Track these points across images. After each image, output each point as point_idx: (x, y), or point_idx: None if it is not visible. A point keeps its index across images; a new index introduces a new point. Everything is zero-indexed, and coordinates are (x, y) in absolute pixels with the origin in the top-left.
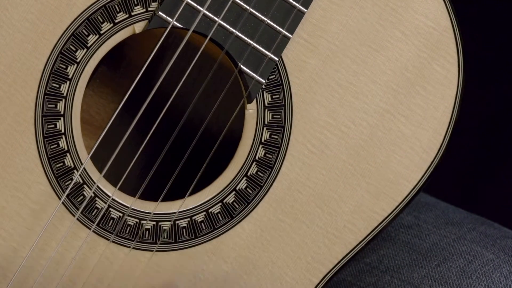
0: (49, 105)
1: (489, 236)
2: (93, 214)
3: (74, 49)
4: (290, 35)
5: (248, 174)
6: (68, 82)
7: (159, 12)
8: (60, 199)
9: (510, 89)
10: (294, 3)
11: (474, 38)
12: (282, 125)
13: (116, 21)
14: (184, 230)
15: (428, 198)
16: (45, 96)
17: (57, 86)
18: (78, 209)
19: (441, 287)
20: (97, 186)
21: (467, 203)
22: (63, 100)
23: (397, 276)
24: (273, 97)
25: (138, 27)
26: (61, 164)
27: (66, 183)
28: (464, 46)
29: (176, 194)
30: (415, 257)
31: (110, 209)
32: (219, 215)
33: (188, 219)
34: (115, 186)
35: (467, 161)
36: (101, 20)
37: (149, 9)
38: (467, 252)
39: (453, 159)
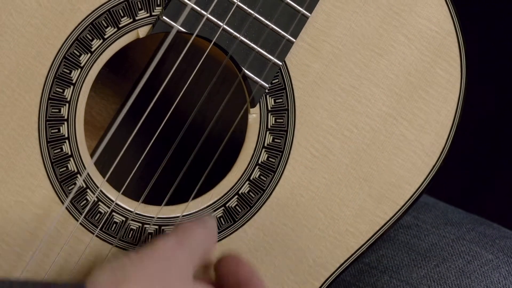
0: (53, 110)
1: (488, 236)
2: (96, 218)
3: (78, 53)
4: (294, 40)
5: (251, 178)
6: (72, 87)
7: (163, 17)
8: (63, 203)
9: (510, 90)
10: (298, 7)
11: (475, 40)
12: (285, 129)
13: (120, 25)
14: None
15: (427, 198)
16: (49, 101)
17: (61, 90)
18: (81, 214)
19: (440, 287)
20: (100, 191)
21: (466, 203)
22: (67, 104)
23: (396, 276)
24: (276, 101)
25: (142, 32)
26: (65, 168)
27: (69, 188)
28: (467, 49)
29: (179, 198)
30: (414, 257)
31: (113, 213)
32: (221, 219)
33: None
34: (119, 191)
35: (467, 161)
36: (105, 25)
37: (153, 13)
38: (466, 252)
39: (452, 159)
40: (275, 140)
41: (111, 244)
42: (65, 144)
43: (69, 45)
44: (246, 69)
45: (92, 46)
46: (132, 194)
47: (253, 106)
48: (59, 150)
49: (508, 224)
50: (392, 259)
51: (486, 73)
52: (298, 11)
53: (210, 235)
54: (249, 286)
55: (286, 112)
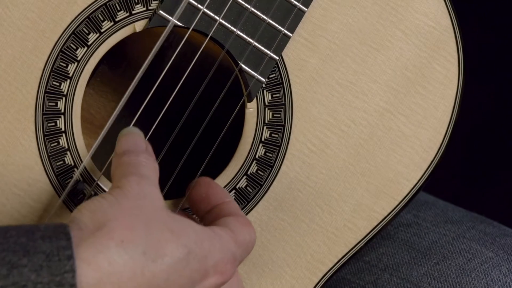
0: (50, 103)
1: (489, 234)
2: None
3: (74, 47)
4: (290, 34)
5: (248, 172)
6: (68, 81)
7: (160, 11)
8: (60, 197)
9: (510, 88)
10: (295, 2)
11: (474, 37)
12: (282, 124)
13: (117, 19)
14: None
15: (427, 197)
16: (46, 94)
17: (58, 84)
18: None
19: (440, 285)
20: (97, 184)
21: (466, 201)
22: (64, 98)
23: (396, 274)
24: (274, 96)
25: (139, 26)
26: (61, 162)
27: (66, 181)
28: (464, 45)
29: (176, 192)
30: (414, 255)
31: None
32: None
33: None
34: None
35: (467, 159)
36: (102, 19)
37: (149, 7)
38: (466, 250)
39: (452, 156)
40: (272, 134)
41: None
42: (62, 137)
43: (65, 39)
44: (243, 64)
45: (89, 40)
46: None
47: (250, 100)
48: (56, 143)
49: (508, 222)
50: (393, 257)
51: (484, 69)
52: (295, 6)
53: (152, 157)
54: (221, 207)
55: (283, 107)
